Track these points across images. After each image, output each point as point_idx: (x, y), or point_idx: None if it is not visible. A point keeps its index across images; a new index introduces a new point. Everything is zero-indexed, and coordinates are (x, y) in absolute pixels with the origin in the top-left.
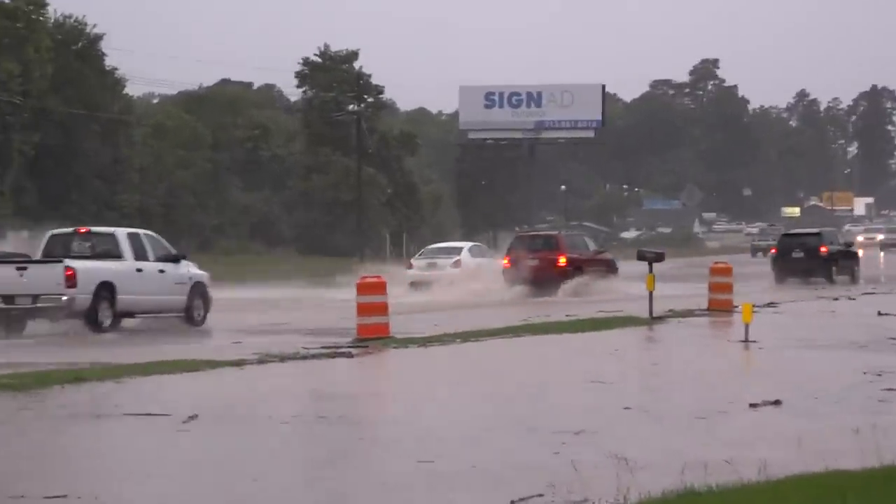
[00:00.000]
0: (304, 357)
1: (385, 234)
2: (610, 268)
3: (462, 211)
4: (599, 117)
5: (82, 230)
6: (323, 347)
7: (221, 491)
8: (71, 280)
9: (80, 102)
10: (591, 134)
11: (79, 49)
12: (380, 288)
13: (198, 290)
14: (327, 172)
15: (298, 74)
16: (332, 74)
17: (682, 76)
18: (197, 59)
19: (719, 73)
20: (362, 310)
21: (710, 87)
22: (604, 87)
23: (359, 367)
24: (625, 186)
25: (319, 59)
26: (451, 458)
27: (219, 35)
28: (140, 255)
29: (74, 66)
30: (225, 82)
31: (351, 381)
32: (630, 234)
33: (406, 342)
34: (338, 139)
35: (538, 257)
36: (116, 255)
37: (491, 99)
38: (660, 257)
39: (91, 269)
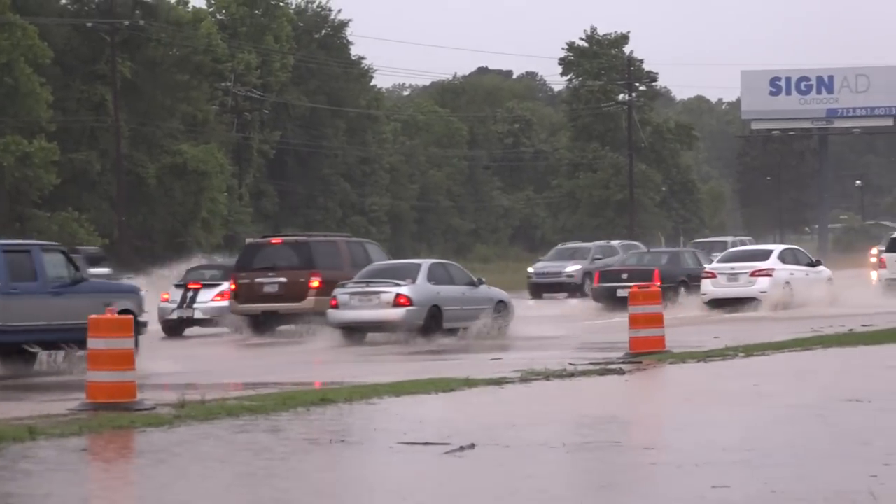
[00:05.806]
0: (572, 375)
1: (661, 238)
2: None
3: (745, 210)
4: None
5: None
6: (591, 364)
7: None
8: None
9: (324, 96)
10: (889, 122)
11: (322, 37)
12: (654, 297)
13: None
14: (595, 170)
15: (563, 61)
16: (600, 60)
17: None
18: (451, 47)
19: None
20: (635, 321)
21: None
22: None
23: (632, 385)
24: None
25: (586, 44)
26: (747, 484)
27: (475, 19)
28: None
29: (317, 57)
30: (482, 71)
31: (625, 400)
32: None
33: (684, 357)
34: (607, 133)
35: None
36: None
37: (776, 85)
38: None
39: None
